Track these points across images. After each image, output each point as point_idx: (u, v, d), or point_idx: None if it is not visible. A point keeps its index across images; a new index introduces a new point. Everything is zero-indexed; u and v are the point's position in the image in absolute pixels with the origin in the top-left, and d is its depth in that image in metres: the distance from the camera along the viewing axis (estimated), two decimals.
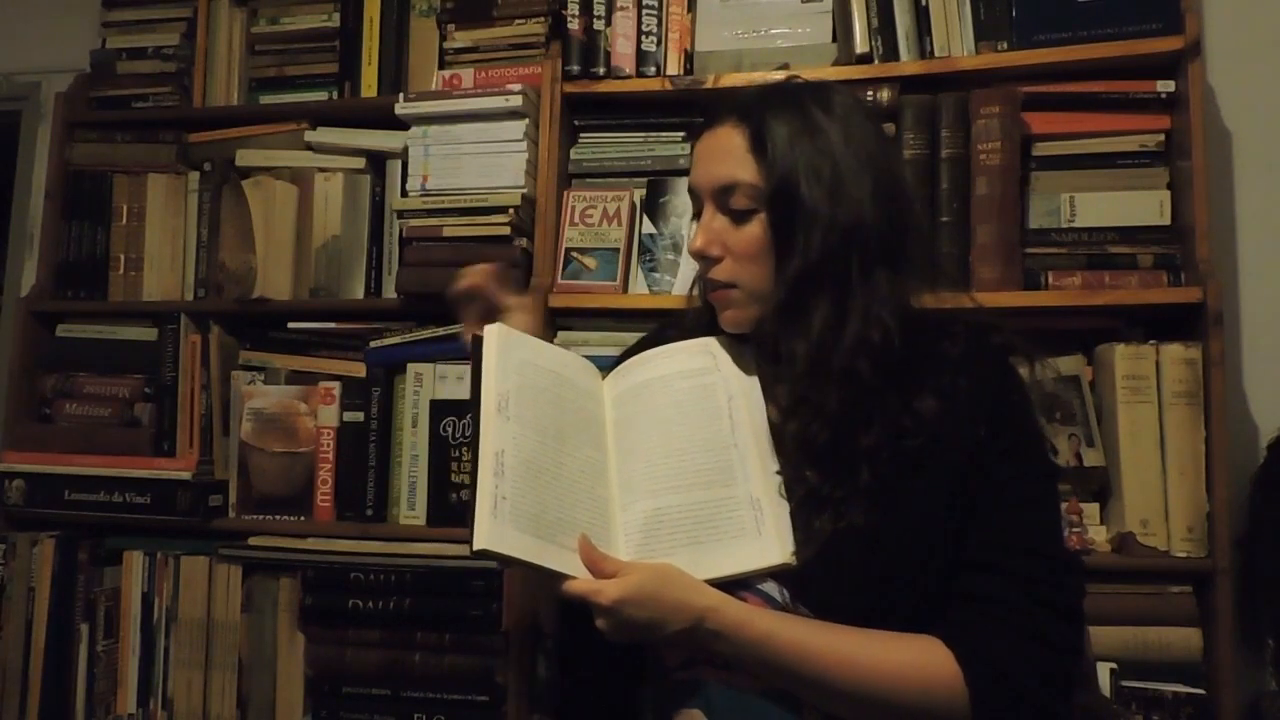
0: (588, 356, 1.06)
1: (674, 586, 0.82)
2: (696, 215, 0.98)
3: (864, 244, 0.89)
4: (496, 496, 0.83)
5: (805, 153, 0.90)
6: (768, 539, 0.85)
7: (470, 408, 0.91)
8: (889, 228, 0.90)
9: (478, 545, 0.81)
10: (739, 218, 0.92)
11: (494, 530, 0.81)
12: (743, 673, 0.85)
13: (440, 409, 1.73)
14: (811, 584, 0.83)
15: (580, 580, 0.82)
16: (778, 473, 0.89)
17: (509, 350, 0.94)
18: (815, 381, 0.88)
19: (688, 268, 1.63)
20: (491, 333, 0.95)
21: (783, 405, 0.93)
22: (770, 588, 0.84)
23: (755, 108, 0.93)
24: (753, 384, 0.94)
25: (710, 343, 0.98)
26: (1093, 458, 1.52)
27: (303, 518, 1.78)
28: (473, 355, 0.93)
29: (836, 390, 0.87)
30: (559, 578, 0.83)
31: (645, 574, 0.82)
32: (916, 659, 0.81)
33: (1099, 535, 1.52)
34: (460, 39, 1.83)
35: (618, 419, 0.96)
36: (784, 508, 0.86)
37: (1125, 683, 1.43)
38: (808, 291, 0.88)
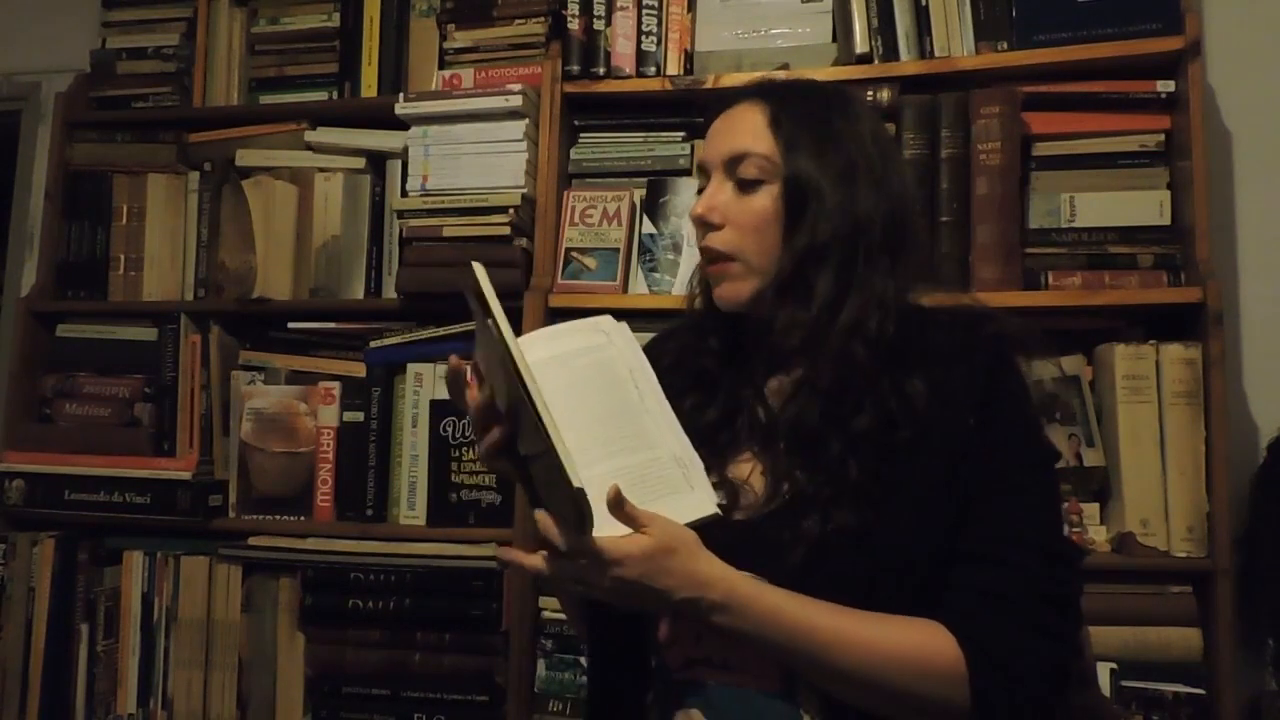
0: None
1: (683, 552, 0.81)
2: (699, 194, 0.96)
3: (869, 233, 0.90)
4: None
5: (822, 137, 0.92)
6: (699, 492, 0.86)
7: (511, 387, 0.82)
8: (892, 223, 0.91)
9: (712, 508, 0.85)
10: (746, 188, 0.92)
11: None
12: (742, 673, 0.85)
13: (440, 409, 1.73)
14: (799, 586, 0.83)
15: (604, 538, 0.79)
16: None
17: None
18: (810, 359, 0.88)
19: (688, 268, 1.63)
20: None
21: (779, 394, 0.93)
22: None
23: (776, 89, 0.96)
24: (646, 364, 0.93)
25: (600, 321, 0.96)
26: (1093, 458, 1.52)
27: (303, 518, 1.78)
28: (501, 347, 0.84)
29: (831, 371, 0.87)
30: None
31: (659, 535, 0.80)
32: (920, 642, 0.81)
33: (1099, 535, 1.51)
34: (460, 39, 1.83)
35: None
36: (700, 463, 0.88)
37: (1125, 683, 1.43)
38: (812, 268, 0.89)
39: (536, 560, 0.82)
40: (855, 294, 0.89)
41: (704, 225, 0.93)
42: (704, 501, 0.86)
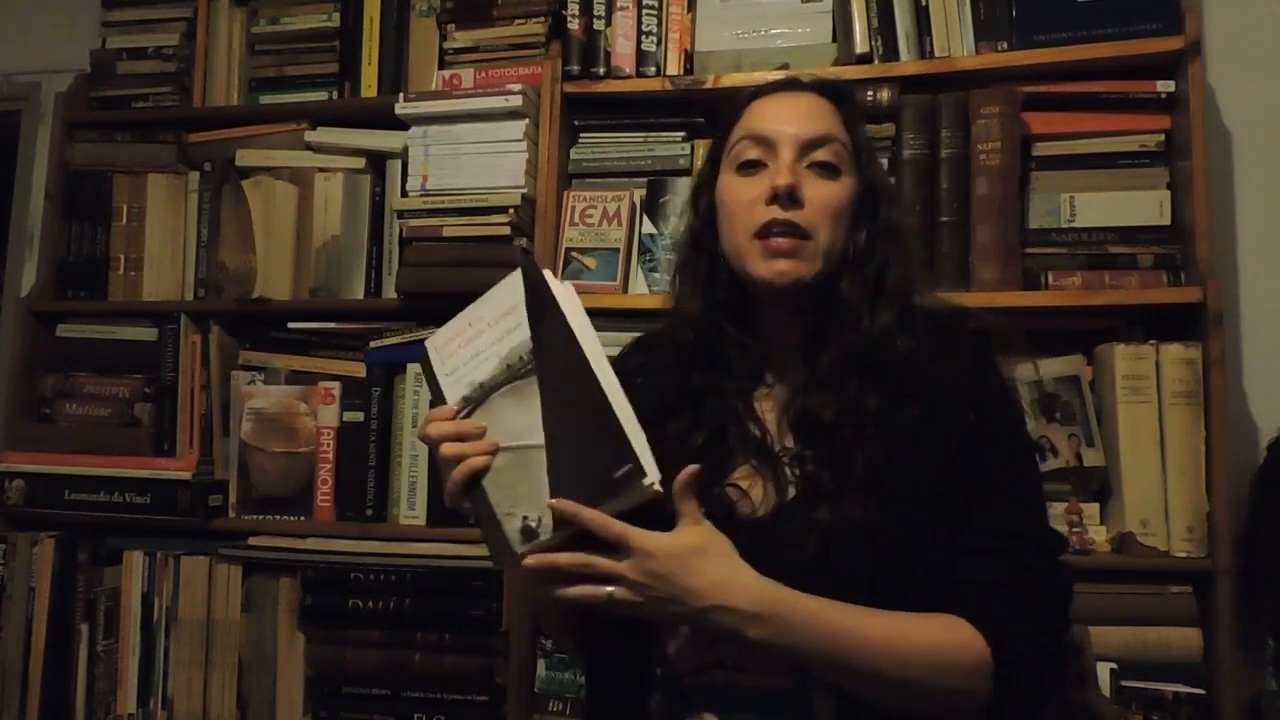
0: None
1: (715, 554, 0.79)
2: (744, 165, 0.94)
3: (906, 235, 0.97)
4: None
5: (870, 144, 0.99)
6: (645, 466, 0.81)
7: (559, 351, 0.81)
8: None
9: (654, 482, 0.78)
10: (824, 171, 0.92)
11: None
12: (753, 673, 0.84)
13: None
14: (810, 581, 0.83)
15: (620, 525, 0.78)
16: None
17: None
18: (839, 348, 0.90)
19: None
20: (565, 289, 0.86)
21: (771, 400, 0.94)
22: None
23: (836, 89, 0.98)
24: (589, 327, 0.88)
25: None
26: (1093, 458, 1.52)
27: (303, 518, 1.78)
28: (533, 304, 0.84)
29: (868, 367, 0.89)
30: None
31: (696, 534, 0.79)
32: (945, 637, 0.82)
33: (1099, 535, 1.51)
34: (460, 39, 1.83)
35: None
36: (641, 434, 0.82)
37: (1125, 683, 1.43)
38: (871, 263, 0.92)
39: (571, 557, 0.78)
40: (901, 287, 0.93)
41: (790, 200, 0.90)
42: (649, 477, 0.81)
